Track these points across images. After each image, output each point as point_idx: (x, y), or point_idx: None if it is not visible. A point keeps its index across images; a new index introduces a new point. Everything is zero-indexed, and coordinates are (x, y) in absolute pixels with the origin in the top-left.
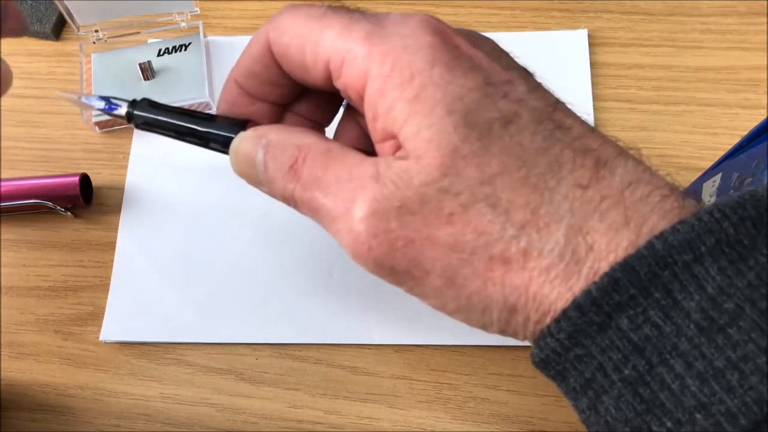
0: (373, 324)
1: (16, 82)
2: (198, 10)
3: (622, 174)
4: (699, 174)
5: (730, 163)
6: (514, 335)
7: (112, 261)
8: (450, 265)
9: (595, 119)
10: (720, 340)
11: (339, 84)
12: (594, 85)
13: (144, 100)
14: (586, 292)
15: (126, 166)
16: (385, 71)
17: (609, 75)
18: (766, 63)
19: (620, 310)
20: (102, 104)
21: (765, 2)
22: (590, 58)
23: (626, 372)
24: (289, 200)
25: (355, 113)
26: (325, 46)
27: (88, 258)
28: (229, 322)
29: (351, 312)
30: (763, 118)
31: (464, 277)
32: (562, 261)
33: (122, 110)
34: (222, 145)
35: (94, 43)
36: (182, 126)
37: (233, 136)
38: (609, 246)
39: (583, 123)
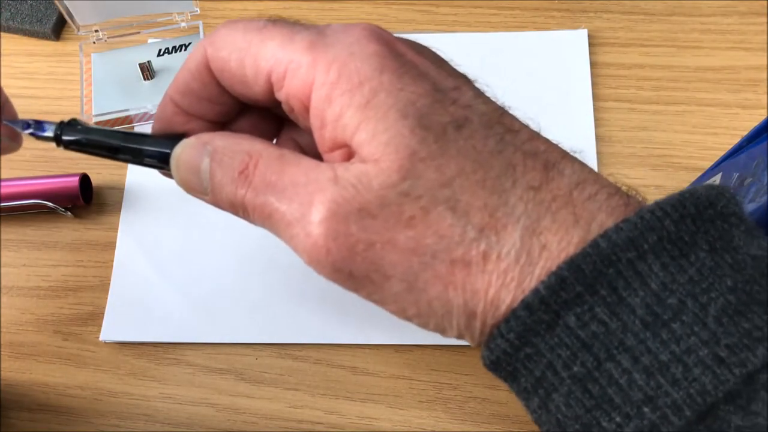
0: (373, 324)
1: (16, 82)
2: (198, 10)
3: (570, 175)
4: (699, 174)
5: (730, 163)
6: (471, 339)
7: (112, 261)
8: (411, 270)
9: (595, 119)
10: (664, 334)
11: (281, 95)
12: (594, 85)
13: (73, 120)
14: (535, 291)
15: (126, 166)
16: (331, 78)
17: (609, 75)
18: (766, 63)
19: (568, 307)
20: (20, 126)
21: (765, 2)
22: (590, 58)
23: (575, 369)
24: (239, 207)
25: (291, 131)
26: (267, 57)
27: (88, 258)
28: (229, 322)
29: (351, 312)
30: (763, 118)
31: (425, 281)
32: (518, 263)
33: (49, 132)
34: (158, 161)
35: (94, 43)
36: (115, 144)
37: (169, 151)
38: (560, 244)
39: (529, 127)
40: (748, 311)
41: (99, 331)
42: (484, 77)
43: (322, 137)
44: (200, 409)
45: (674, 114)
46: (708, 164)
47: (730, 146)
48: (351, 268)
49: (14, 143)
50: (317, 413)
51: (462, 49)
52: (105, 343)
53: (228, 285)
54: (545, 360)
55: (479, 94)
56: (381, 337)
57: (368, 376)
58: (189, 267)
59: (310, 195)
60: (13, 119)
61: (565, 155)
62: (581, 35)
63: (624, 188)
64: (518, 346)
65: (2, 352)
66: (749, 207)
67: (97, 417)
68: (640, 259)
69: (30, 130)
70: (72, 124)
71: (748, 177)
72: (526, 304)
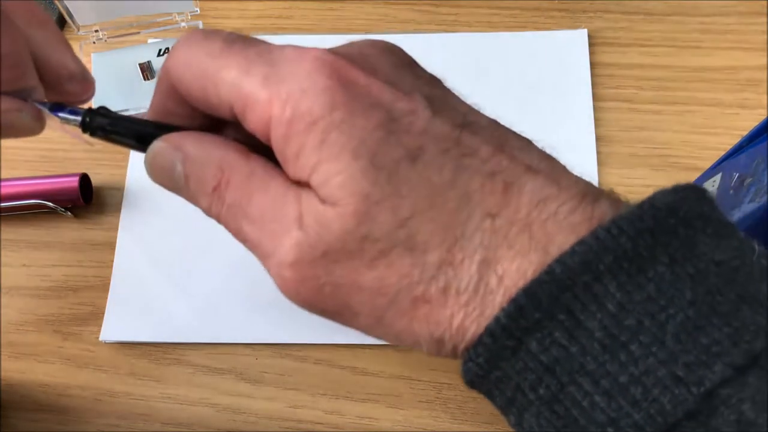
0: None
1: None
2: (198, 10)
3: (530, 192)
4: (699, 174)
5: (730, 163)
6: (447, 357)
7: (112, 261)
8: (377, 307)
9: (595, 119)
10: (623, 356)
11: (247, 127)
12: (594, 85)
13: (101, 107)
14: (496, 320)
15: (126, 166)
16: (286, 117)
17: (609, 75)
18: (766, 63)
19: (528, 333)
20: (47, 108)
21: (765, 2)
22: (590, 58)
23: (541, 392)
24: (215, 219)
25: None
26: (226, 89)
27: (88, 258)
28: (229, 322)
29: None
30: (763, 118)
31: (391, 317)
32: (477, 294)
33: (77, 117)
34: None
35: (94, 43)
36: (142, 130)
37: None
38: (518, 271)
39: (492, 138)
40: (707, 325)
41: (99, 331)
42: (484, 77)
43: (287, 171)
44: (200, 409)
45: (674, 114)
46: (708, 164)
47: (730, 146)
48: (322, 306)
49: (37, 123)
50: (317, 413)
51: (462, 49)
52: (105, 343)
53: (228, 285)
54: (513, 382)
55: (438, 110)
56: None
57: (368, 376)
58: (189, 267)
59: (279, 235)
60: (42, 101)
61: (527, 169)
62: (581, 35)
63: (595, 191)
64: (488, 369)
65: (2, 352)
66: (749, 207)
67: (97, 417)
68: (596, 281)
69: (59, 113)
70: (101, 112)
71: (748, 177)
72: (490, 332)
